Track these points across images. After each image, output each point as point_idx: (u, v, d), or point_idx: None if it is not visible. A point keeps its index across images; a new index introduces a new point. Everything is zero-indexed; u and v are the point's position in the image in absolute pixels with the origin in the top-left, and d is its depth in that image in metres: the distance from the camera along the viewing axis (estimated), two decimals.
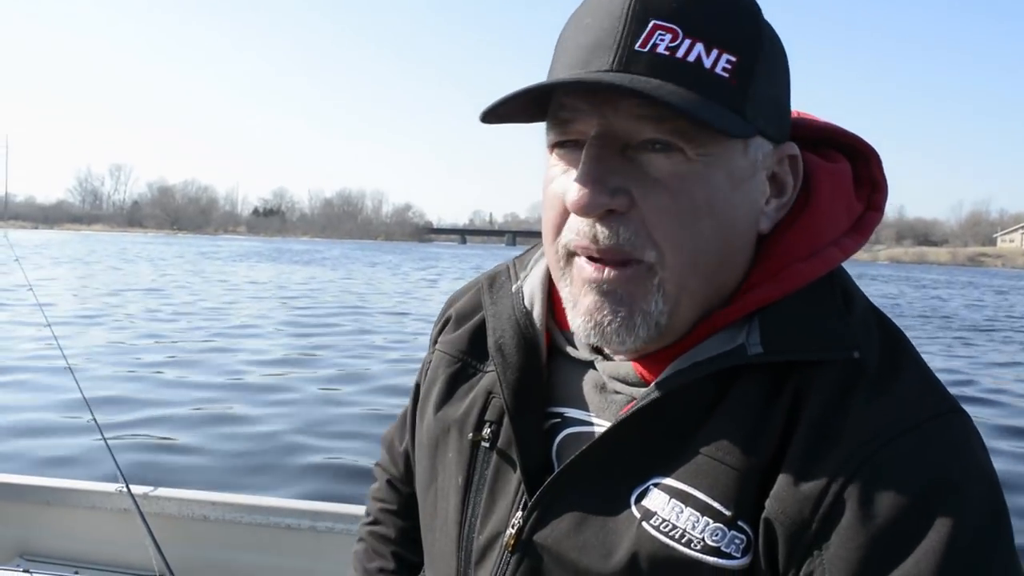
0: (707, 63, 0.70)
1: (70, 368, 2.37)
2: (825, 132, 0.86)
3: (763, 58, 0.73)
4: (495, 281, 0.98)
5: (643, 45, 0.71)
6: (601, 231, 0.74)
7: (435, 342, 1.04)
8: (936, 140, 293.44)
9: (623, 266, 0.74)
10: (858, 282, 0.83)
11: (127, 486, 2.33)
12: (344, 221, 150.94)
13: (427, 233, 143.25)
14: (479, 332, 0.96)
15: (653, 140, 0.72)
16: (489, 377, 0.92)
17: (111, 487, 2.35)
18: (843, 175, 0.83)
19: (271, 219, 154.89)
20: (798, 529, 0.69)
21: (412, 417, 1.10)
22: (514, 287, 0.95)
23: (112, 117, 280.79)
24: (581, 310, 0.77)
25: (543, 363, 0.88)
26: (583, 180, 0.72)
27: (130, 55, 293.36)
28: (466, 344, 0.97)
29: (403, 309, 17.57)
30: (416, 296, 21.60)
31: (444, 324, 1.05)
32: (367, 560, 1.15)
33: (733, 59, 0.71)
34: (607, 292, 0.75)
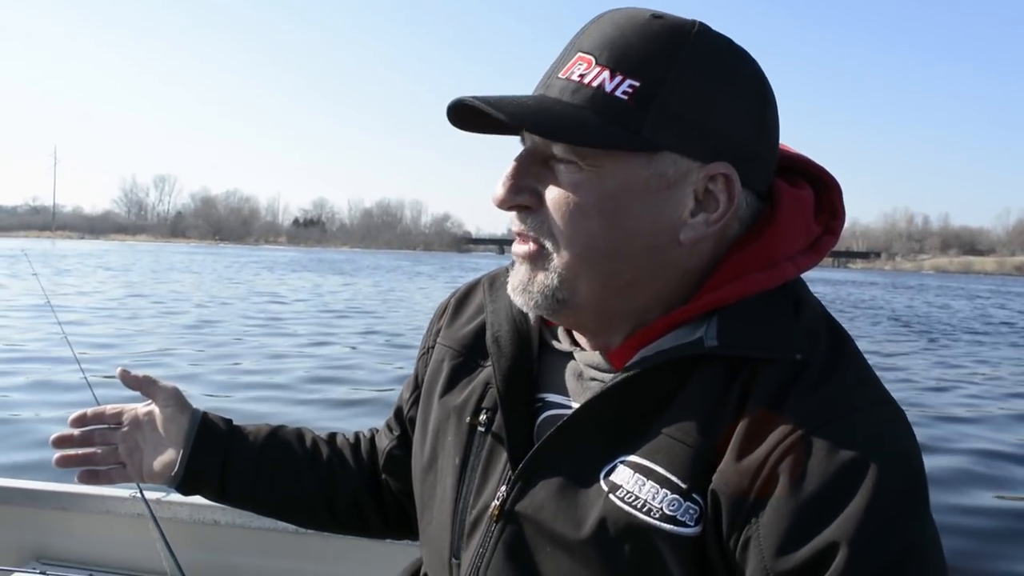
0: (608, 87, 0.83)
1: (86, 379, 2.40)
2: (795, 161, 0.97)
3: (678, 84, 0.83)
4: (495, 281, 1.09)
5: (564, 73, 0.87)
6: (516, 220, 0.91)
7: (437, 332, 1.16)
8: (981, 146, 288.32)
9: (531, 246, 0.90)
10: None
11: (141, 491, 2.33)
12: (383, 231, 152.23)
13: (466, 243, 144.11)
14: (482, 330, 1.06)
15: (559, 155, 0.87)
16: (488, 371, 1.02)
17: (125, 492, 2.37)
18: (805, 201, 0.94)
19: (311, 229, 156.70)
20: (738, 500, 0.79)
21: (398, 408, 1.24)
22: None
23: (157, 128, 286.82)
24: (511, 276, 0.96)
25: (534, 355, 1.00)
26: (502, 182, 0.90)
27: (173, 67, 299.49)
28: (470, 340, 1.09)
29: None
30: None
31: (444, 311, 1.18)
32: (296, 435, 1.29)
33: (635, 84, 0.83)
34: (521, 263, 0.92)
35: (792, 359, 0.83)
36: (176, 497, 2.38)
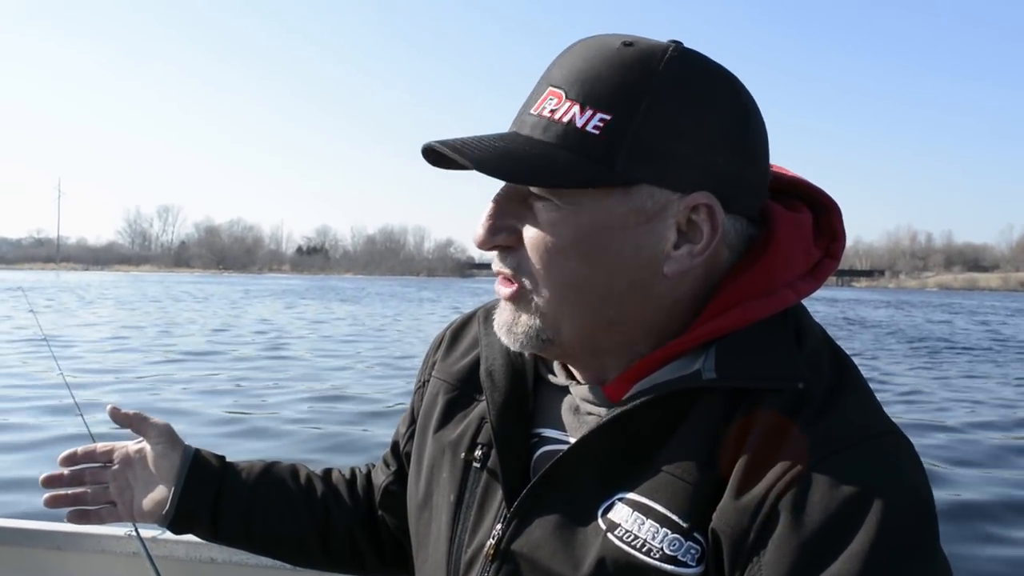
0: (579, 122, 0.81)
1: (80, 412, 2.38)
2: (792, 184, 0.95)
3: (650, 114, 0.81)
4: (490, 314, 1.05)
5: (535, 108, 0.85)
6: (497, 260, 0.90)
7: (432, 365, 1.14)
8: (983, 163, 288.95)
9: (513, 286, 0.89)
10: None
11: (136, 530, 2.31)
12: (387, 258, 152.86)
13: (469, 268, 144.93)
14: (477, 363, 1.04)
15: (536, 193, 0.85)
16: (483, 405, 1.00)
17: (121, 531, 2.34)
18: (804, 224, 0.91)
19: (314, 257, 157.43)
20: (739, 538, 0.76)
21: (395, 443, 1.23)
22: None
23: (160, 158, 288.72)
24: (496, 316, 0.94)
25: (529, 389, 0.98)
26: (481, 222, 0.89)
27: (176, 95, 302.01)
28: (465, 374, 1.07)
29: None
30: None
31: (439, 344, 1.16)
32: (290, 471, 1.27)
33: (606, 117, 0.81)
34: (504, 307, 0.91)
35: (794, 389, 0.81)
36: (172, 535, 2.36)
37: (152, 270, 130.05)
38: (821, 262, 0.92)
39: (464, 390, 1.06)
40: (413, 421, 1.16)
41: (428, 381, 1.13)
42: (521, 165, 0.82)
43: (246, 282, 75.04)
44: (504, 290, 0.90)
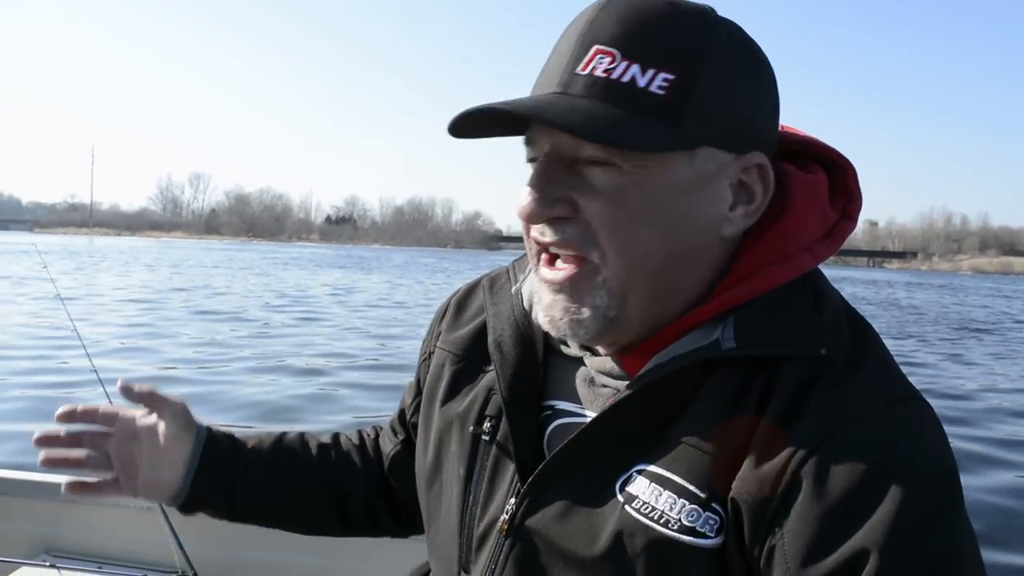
0: (641, 82, 0.77)
1: (95, 370, 2.39)
2: (805, 144, 0.92)
3: (710, 73, 0.78)
4: (495, 282, 1.05)
5: (583, 68, 0.79)
6: (549, 231, 0.83)
7: (437, 335, 1.11)
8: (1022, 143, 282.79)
9: (573, 264, 0.83)
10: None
11: None
12: (414, 229, 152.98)
13: (496, 241, 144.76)
14: (483, 333, 1.01)
15: (591, 156, 0.80)
16: (490, 376, 0.98)
17: None
18: (819, 185, 0.89)
19: (343, 227, 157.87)
20: (760, 507, 0.75)
21: (401, 412, 1.20)
22: (514, 288, 1.01)
23: (192, 126, 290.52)
24: (542, 306, 0.87)
25: (539, 360, 0.95)
26: (528, 192, 0.83)
27: (207, 68, 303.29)
28: (471, 344, 1.04)
29: None
30: None
31: (443, 314, 1.12)
32: (301, 440, 1.23)
33: (670, 77, 0.77)
34: (559, 291, 0.84)
35: (816, 355, 0.79)
36: None
37: (183, 236, 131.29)
38: (838, 224, 0.90)
39: (470, 360, 1.03)
40: (419, 392, 1.14)
41: (433, 352, 1.11)
42: (608, 126, 0.77)
43: (283, 250, 75.44)
44: (561, 271, 0.84)
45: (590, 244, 0.81)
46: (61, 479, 2.48)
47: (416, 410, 1.13)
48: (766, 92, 0.84)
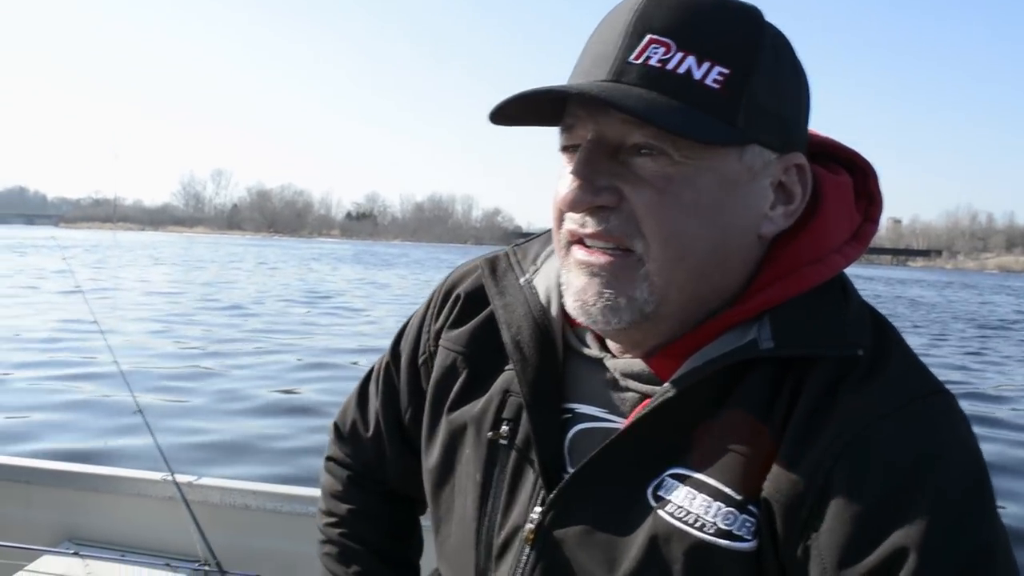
0: (697, 75, 0.75)
1: (120, 368, 2.41)
2: (825, 146, 0.91)
3: (761, 71, 0.78)
4: (497, 268, 1.00)
5: (637, 57, 0.76)
6: (591, 220, 0.80)
7: (435, 333, 1.04)
8: None
9: (613, 254, 0.80)
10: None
11: (172, 474, 2.35)
12: (434, 225, 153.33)
13: (516, 238, 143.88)
14: (489, 328, 0.97)
15: (640, 144, 0.77)
16: (506, 376, 0.93)
17: (157, 475, 2.38)
18: (846, 187, 0.88)
19: (363, 223, 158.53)
20: (793, 508, 0.73)
21: (396, 422, 1.10)
22: (522, 280, 0.96)
23: (214, 124, 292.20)
24: (572, 290, 0.83)
25: (559, 361, 0.91)
26: (572, 180, 0.79)
27: (229, 64, 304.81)
28: (479, 341, 0.98)
29: None
30: None
31: (438, 307, 1.05)
32: (344, 563, 1.12)
33: (725, 71, 0.76)
34: (595, 275, 0.81)
35: (852, 356, 0.78)
36: (207, 480, 2.39)
37: (205, 232, 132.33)
38: (862, 226, 0.89)
39: (480, 359, 0.97)
40: (414, 395, 1.06)
41: (435, 352, 1.03)
42: (675, 115, 0.75)
43: (305, 246, 75.83)
44: (601, 259, 0.80)
45: (634, 235, 0.78)
46: (84, 468, 2.51)
47: (414, 417, 1.06)
48: (805, 95, 0.84)
